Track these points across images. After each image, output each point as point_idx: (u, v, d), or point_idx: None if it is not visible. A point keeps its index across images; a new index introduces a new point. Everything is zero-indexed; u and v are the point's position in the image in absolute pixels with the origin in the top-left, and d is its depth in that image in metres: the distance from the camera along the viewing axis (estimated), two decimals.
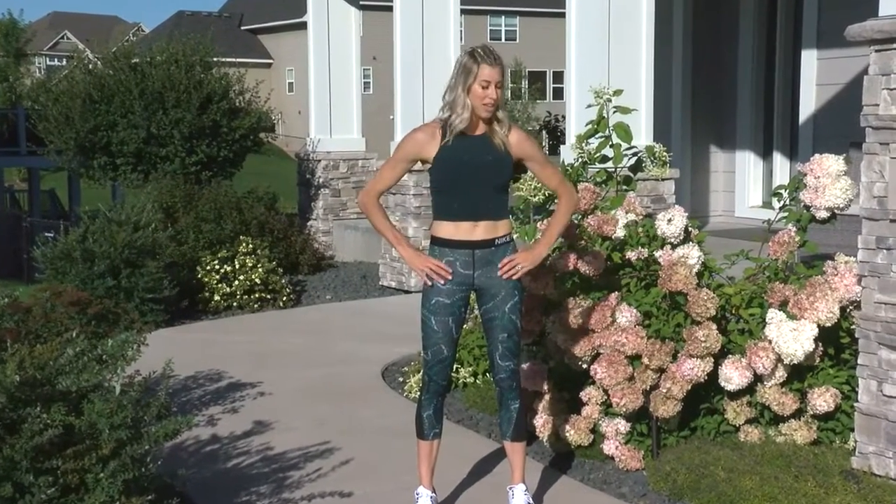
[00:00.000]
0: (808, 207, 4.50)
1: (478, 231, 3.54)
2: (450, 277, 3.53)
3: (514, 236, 3.72)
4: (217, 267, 8.34)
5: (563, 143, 8.90)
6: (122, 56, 11.42)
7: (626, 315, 4.26)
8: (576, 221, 4.73)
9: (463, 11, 9.72)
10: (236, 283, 8.31)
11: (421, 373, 3.81)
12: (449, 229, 3.56)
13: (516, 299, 3.60)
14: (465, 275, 3.56)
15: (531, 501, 3.71)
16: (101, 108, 10.89)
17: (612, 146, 5.02)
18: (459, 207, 3.54)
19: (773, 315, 4.16)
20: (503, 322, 3.60)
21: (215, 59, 11.67)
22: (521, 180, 5.21)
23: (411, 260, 3.59)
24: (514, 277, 3.57)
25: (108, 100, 10.91)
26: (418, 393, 3.86)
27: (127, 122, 10.79)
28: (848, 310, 4.17)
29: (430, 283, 3.55)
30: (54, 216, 18.07)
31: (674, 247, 4.52)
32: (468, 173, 3.51)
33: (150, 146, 10.85)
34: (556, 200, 5.16)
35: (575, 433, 4.36)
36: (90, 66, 11.70)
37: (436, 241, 3.60)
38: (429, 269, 3.53)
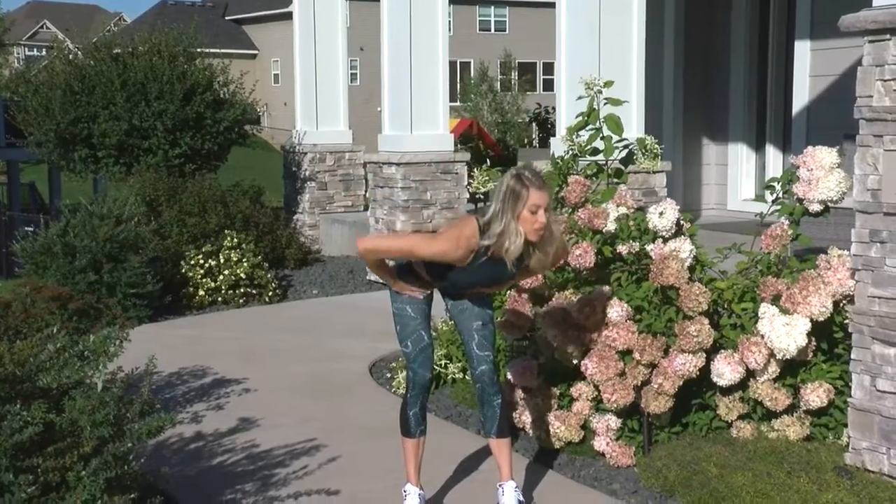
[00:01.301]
0: (801, 200, 4.45)
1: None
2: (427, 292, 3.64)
3: None
4: (201, 261, 8.25)
5: (554, 135, 8.86)
6: (103, 46, 11.27)
7: (617, 310, 4.21)
8: (566, 215, 4.68)
9: (451, 1, 9.66)
10: (221, 277, 8.21)
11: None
12: (427, 289, 3.61)
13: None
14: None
15: (521, 498, 3.66)
16: (81, 100, 10.75)
17: (602, 138, 4.97)
18: (453, 290, 3.60)
19: (766, 310, 4.12)
20: (474, 311, 3.61)
21: (199, 49, 11.54)
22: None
23: (403, 288, 3.60)
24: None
25: (89, 91, 10.77)
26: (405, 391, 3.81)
27: (108, 114, 10.65)
28: (841, 304, 4.14)
29: (420, 297, 3.61)
30: (34, 210, 17.87)
31: (665, 240, 4.47)
32: (467, 285, 3.54)
33: (133, 138, 10.72)
34: None
35: (565, 429, 4.31)
36: (70, 57, 11.54)
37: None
38: (413, 292, 3.60)
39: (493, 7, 44.39)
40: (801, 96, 9.27)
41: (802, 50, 9.27)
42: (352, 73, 35.79)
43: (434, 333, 4.15)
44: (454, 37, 30.70)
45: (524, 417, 4.50)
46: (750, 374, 4.16)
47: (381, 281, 9.57)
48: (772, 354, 4.08)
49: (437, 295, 3.67)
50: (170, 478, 3.74)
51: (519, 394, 4.52)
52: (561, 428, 4.31)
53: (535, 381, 4.46)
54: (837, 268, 4.11)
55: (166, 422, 3.34)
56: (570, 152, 5.13)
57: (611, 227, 4.53)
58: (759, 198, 9.74)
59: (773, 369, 4.13)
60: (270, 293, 8.44)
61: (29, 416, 2.97)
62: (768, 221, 4.60)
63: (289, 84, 14.97)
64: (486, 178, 5.42)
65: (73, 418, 3.12)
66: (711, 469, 3.86)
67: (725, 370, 4.09)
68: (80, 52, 11.61)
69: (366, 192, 11.01)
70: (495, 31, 44.26)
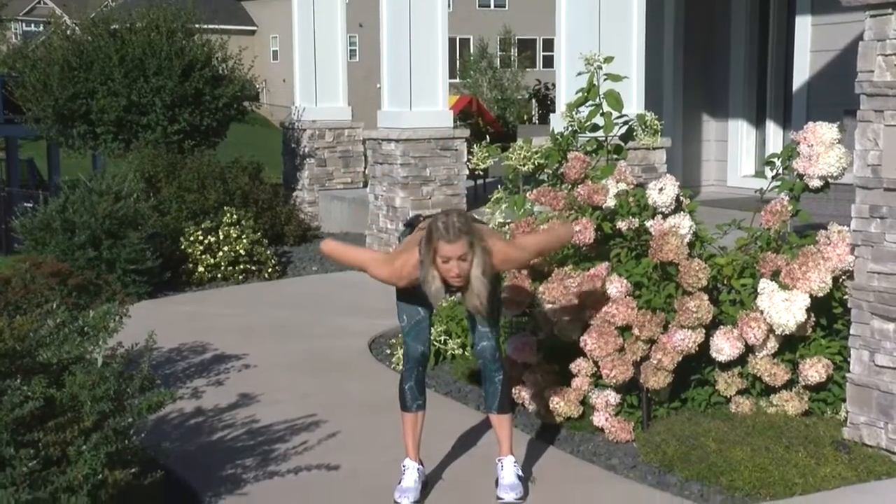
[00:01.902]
0: (801, 176, 4.45)
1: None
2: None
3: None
4: (201, 238, 8.24)
5: (553, 111, 8.83)
6: (101, 22, 11.19)
7: (617, 286, 4.21)
8: (566, 191, 4.67)
9: None
10: (220, 254, 8.21)
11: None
12: None
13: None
14: None
15: (521, 473, 3.68)
16: (79, 76, 10.69)
17: (602, 114, 4.95)
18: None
19: (765, 285, 4.12)
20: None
21: (197, 25, 11.46)
22: (511, 149, 5.13)
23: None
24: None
25: (87, 67, 10.71)
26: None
27: (107, 90, 10.59)
28: (841, 280, 4.14)
29: None
30: (33, 186, 17.82)
31: (665, 216, 4.46)
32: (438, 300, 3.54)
33: (131, 114, 10.67)
34: (544, 169, 5.11)
35: (565, 405, 4.32)
36: (68, 32, 11.46)
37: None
38: None
39: None
40: (802, 72, 9.23)
41: (803, 25, 9.21)
42: (351, 50, 35.58)
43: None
44: (453, 13, 30.48)
45: (523, 393, 4.51)
46: (749, 349, 4.17)
47: None
48: (771, 330, 4.09)
49: None
50: (170, 452, 3.76)
51: (518, 370, 4.53)
52: (560, 403, 4.32)
53: (535, 357, 4.47)
54: (837, 243, 4.10)
55: (166, 397, 3.35)
56: (570, 128, 5.11)
57: (610, 203, 4.53)
58: (759, 174, 9.73)
59: (772, 345, 4.14)
60: (270, 270, 8.44)
61: (29, 390, 2.98)
62: (768, 197, 4.59)
63: (288, 60, 14.88)
64: (486, 154, 5.39)
65: (74, 393, 3.13)
66: (710, 444, 3.88)
67: (724, 346, 4.10)
68: (77, 28, 11.53)
69: (365, 168, 10.98)
70: (495, 7, 43.94)
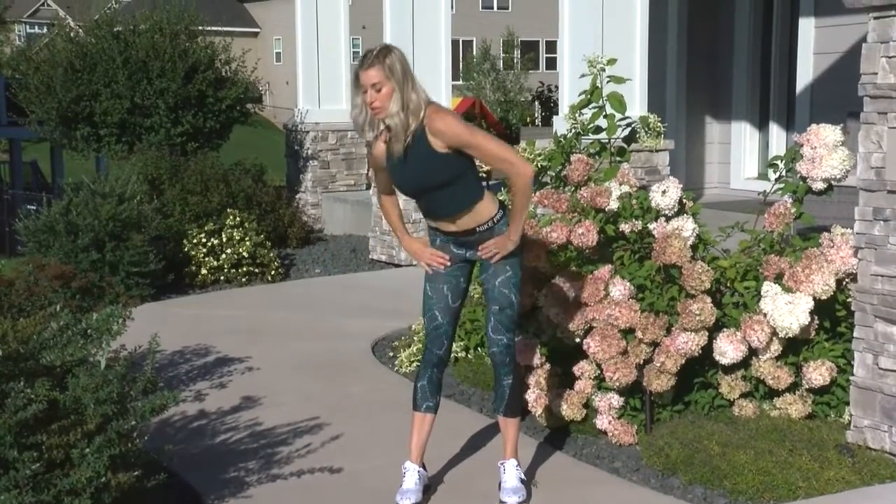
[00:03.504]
0: (804, 179, 4.44)
1: (456, 224, 3.54)
2: (448, 264, 3.59)
3: (500, 216, 3.61)
4: (204, 240, 8.24)
5: (556, 113, 8.82)
6: (104, 24, 11.20)
7: (620, 288, 4.21)
8: (569, 194, 4.66)
9: None
10: (223, 256, 8.21)
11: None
12: (431, 223, 3.61)
13: (509, 273, 3.56)
14: (458, 253, 3.62)
15: (523, 477, 3.68)
16: (83, 78, 10.70)
17: (605, 117, 4.95)
18: (427, 209, 3.57)
19: (769, 288, 4.11)
20: (494, 294, 3.58)
21: (201, 27, 11.47)
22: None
23: (415, 253, 3.64)
24: (493, 261, 3.54)
25: (90, 69, 10.72)
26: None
27: (110, 92, 10.61)
28: (844, 282, 4.13)
29: (431, 272, 3.60)
30: (37, 188, 17.85)
31: (668, 219, 4.46)
32: (406, 183, 3.50)
33: (135, 116, 10.69)
34: (548, 171, 5.10)
35: (568, 408, 4.32)
36: (72, 35, 11.48)
37: (429, 226, 3.64)
38: (429, 262, 3.59)
39: None
40: (805, 74, 9.22)
41: (807, 27, 9.20)
42: (354, 52, 35.56)
43: None
44: (456, 15, 30.50)
45: (526, 396, 4.51)
46: (752, 352, 4.16)
47: (384, 259, 9.56)
48: (774, 333, 4.08)
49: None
50: (173, 455, 3.76)
51: (521, 372, 4.52)
52: (563, 406, 4.32)
53: (538, 360, 4.47)
54: (840, 246, 4.10)
55: (169, 400, 3.35)
56: (573, 131, 5.11)
57: (613, 205, 4.52)
58: (763, 176, 9.73)
59: (776, 348, 4.13)
60: (273, 272, 8.44)
61: (33, 393, 2.98)
62: (771, 200, 4.58)
63: (291, 62, 14.90)
64: None
65: (77, 396, 3.13)
66: (713, 447, 3.87)
67: (728, 349, 4.09)
68: (81, 30, 11.55)
69: (368, 170, 10.98)
70: (498, 8, 43.93)
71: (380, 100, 3.31)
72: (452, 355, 5.46)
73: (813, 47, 9.14)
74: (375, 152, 3.52)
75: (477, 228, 3.51)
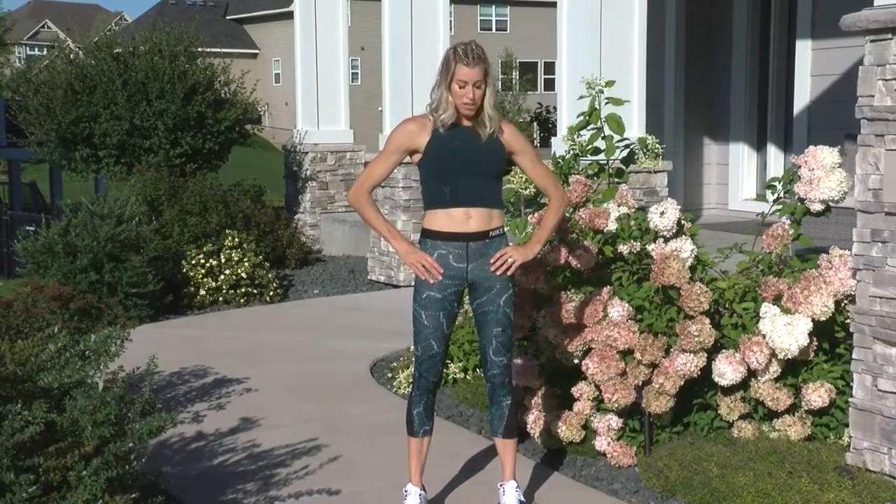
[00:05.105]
0: (802, 200, 4.45)
1: (472, 222, 3.49)
2: (440, 278, 3.47)
3: (506, 229, 3.67)
4: (202, 261, 8.24)
5: (555, 134, 8.86)
6: (104, 46, 11.26)
7: (618, 309, 4.21)
8: (567, 215, 4.67)
9: (452, 0, 9.65)
10: (222, 277, 8.21)
11: (411, 368, 3.77)
12: (441, 219, 3.50)
13: (510, 293, 3.56)
14: (458, 268, 3.50)
15: (522, 499, 3.66)
16: (82, 99, 10.75)
17: (603, 138, 4.96)
18: (452, 195, 3.48)
19: (767, 309, 4.11)
20: (498, 316, 3.55)
21: (200, 49, 11.53)
22: (512, 173, 5.14)
23: (405, 254, 3.53)
24: (507, 273, 3.52)
25: (90, 90, 10.77)
26: (409, 389, 3.80)
27: (110, 114, 10.65)
28: (843, 304, 4.13)
29: (423, 278, 3.50)
30: (36, 209, 17.86)
31: (666, 240, 4.46)
32: (459, 161, 3.48)
33: (134, 138, 10.72)
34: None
35: (566, 429, 4.30)
36: (72, 56, 11.54)
37: (427, 234, 3.53)
38: (421, 266, 3.47)
39: (494, 6, 44.31)
40: (803, 96, 9.28)
41: (804, 49, 9.27)
42: (353, 73, 35.75)
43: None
44: (455, 36, 30.61)
45: (525, 417, 4.49)
46: (751, 373, 4.16)
47: (382, 280, 9.52)
48: (773, 354, 4.08)
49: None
50: (171, 477, 3.74)
51: (520, 394, 4.51)
52: (562, 428, 4.31)
53: (537, 381, 4.46)
54: (839, 267, 4.10)
55: (167, 421, 3.34)
56: (572, 152, 5.13)
57: (612, 226, 4.53)
58: (761, 197, 9.75)
59: (775, 369, 4.13)
60: (271, 293, 8.43)
61: (30, 415, 2.96)
62: (769, 221, 4.59)
63: (290, 83, 14.96)
64: None
65: (74, 418, 3.12)
66: (713, 469, 3.86)
67: (727, 370, 4.09)
68: (81, 52, 11.60)
69: None
70: (496, 30, 44.17)
71: (479, 98, 3.43)
72: (451, 376, 5.46)
73: (810, 69, 9.21)
74: (418, 133, 3.49)
75: (490, 232, 3.51)
